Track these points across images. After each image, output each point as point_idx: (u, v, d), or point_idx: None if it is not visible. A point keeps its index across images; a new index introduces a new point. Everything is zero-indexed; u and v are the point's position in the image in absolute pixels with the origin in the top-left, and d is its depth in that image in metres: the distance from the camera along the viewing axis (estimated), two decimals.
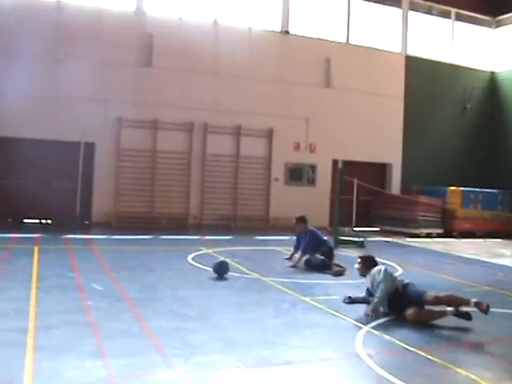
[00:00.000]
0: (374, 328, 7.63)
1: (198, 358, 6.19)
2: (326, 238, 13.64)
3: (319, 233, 13.59)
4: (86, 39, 18.70)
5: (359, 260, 9.10)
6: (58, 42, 18.40)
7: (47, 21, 18.30)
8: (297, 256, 13.15)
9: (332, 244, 13.88)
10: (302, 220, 13.64)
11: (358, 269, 9.06)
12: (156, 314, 7.95)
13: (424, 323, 7.85)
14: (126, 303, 8.55)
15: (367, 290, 8.79)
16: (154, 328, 7.23)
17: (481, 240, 21.25)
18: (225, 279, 10.78)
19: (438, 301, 8.02)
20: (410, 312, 7.99)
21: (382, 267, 8.69)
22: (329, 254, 13.02)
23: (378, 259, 8.87)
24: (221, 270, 11.08)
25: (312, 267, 12.57)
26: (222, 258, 11.88)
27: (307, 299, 9.28)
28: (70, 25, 18.53)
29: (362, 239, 17.19)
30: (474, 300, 7.88)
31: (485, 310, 7.78)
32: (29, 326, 7.00)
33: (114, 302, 8.61)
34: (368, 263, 8.97)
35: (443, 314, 7.95)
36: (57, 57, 18.31)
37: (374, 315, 8.11)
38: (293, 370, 5.98)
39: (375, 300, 8.28)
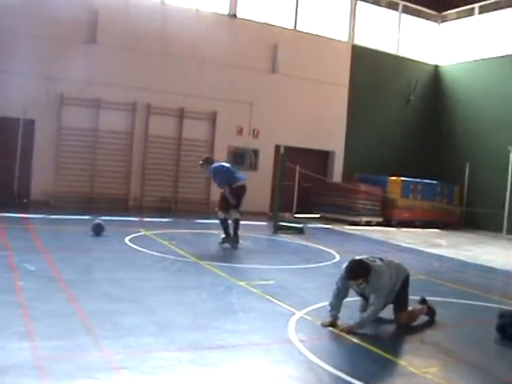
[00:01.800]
0: (308, 314, 7.68)
1: (129, 340, 6.13)
2: (238, 174, 13.60)
3: (223, 166, 13.60)
4: (30, 14, 18.22)
5: (359, 280, 7.16)
6: (3, 15, 17.85)
7: None
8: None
9: (243, 182, 13.59)
10: (205, 161, 13.72)
11: (359, 287, 7.29)
12: (89, 296, 7.84)
13: (410, 323, 7.69)
14: (59, 284, 8.41)
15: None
16: (86, 310, 7.12)
17: (419, 230, 21.63)
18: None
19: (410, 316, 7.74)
20: (402, 315, 7.57)
21: (385, 271, 7.30)
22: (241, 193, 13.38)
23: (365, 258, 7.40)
24: (97, 230, 13.26)
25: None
26: (98, 221, 13.59)
27: (243, 283, 9.29)
28: None
29: (301, 225, 17.29)
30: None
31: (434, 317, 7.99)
32: None
33: (47, 282, 8.45)
34: (362, 273, 7.14)
35: (423, 312, 7.94)
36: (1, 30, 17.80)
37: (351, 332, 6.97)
38: (223, 354, 5.96)
39: (365, 317, 7.16)
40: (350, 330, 6.94)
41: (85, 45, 19.22)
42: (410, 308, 7.71)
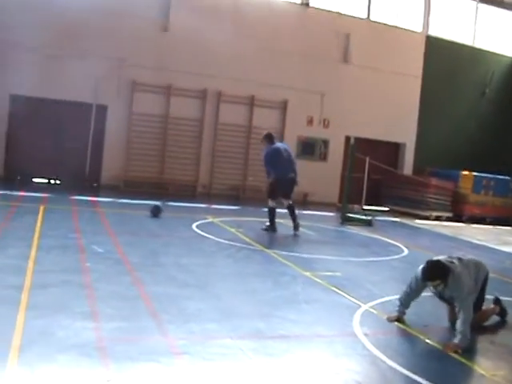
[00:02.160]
0: (374, 308, 7.51)
1: (192, 325, 6.11)
2: (290, 166, 13.61)
3: (279, 152, 13.51)
4: (103, 3, 18.44)
5: (436, 281, 6.72)
6: (77, 3, 18.11)
7: None
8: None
9: (290, 176, 13.63)
10: (265, 137, 13.85)
11: (436, 289, 6.88)
12: (154, 280, 7.88)
13: (483, 324, 7.34)
14: (125, 267, 8.48)
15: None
16: (150, 293, 7.15)
17: (490, 226, 21.02)
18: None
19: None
20: (477, 315, 7.03)
21: (464, 272, 6.77)
22: (281, 184, 13.43)
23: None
24: (155, 211, 13.79)
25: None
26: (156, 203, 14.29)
27: (308, 274, 9.17)
28: None
29: (370, 218, 17.03)
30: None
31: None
32: (24, 284, 6.94)
33: (113, 264, 8.54)
34: (440, 274, 6.68)
35: (494, 312, 7.66)
36: (75, 15, 18.05)
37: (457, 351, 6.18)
38: (286, 344, 5.88)
39: (462, 329, 6.33)
40: (457, 349, 6.14)
41: (158, 32, 19.36)
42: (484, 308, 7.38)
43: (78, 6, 17.92)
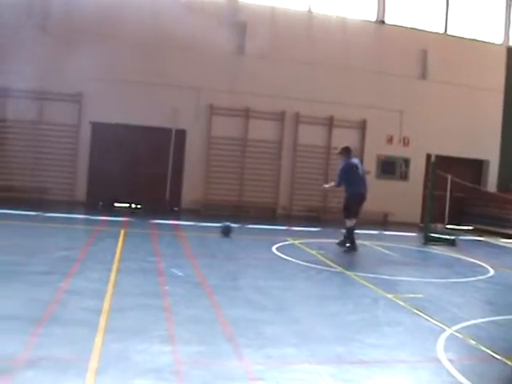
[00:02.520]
0: (459, 331, 7.20)
1: (269, 350, 5.99)
2: (362, 183, 13.80)
3: (355, 168, 13.71)
4: (181, 27, 18.73)
5: None
6: (152, 28, 18.50)
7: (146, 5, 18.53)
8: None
9: (362, 191, 13.76)
10: (343, 151, 13.94)
11: None
12: (232, 303, 7.82)
13: None
14: (203, 290, 8.45)
15: None
16: (228, 316, 7.08)
17: None
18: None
19: None
20: None
21: None
22: (354, 201, 13.62)
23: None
24: (226, 231, 14.19)
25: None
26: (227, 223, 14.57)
27: (390, 296, 8.91)
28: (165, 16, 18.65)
29: (453, 237, 16.55)
30: None
31: None
32: (103, 307, 7.00)
33: (192, 288, 8.53)
34: None
35: None
36: (152, 43, 18.44)
37: None
38: (366, 370, 5.67)
39: None
40: None
41: (234, 55, 19.53)
42: None
43: (154, 34, 18.34)
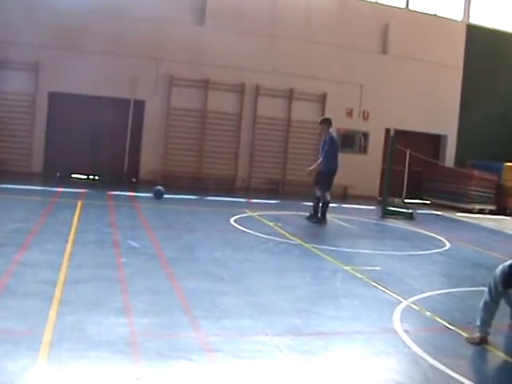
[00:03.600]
0: (415, 303, 7.25)
1: (226, 321, 5.95)
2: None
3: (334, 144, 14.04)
4: None
5: None
6: None
7: None
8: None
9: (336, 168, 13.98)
10: (326, 121, 14.13)
11: None
12: (189, 274, 7.76)
13: None
14: (160, 261, 8.37)
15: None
16: (185, 288, 7.02)
17: None
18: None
19: None
20: None
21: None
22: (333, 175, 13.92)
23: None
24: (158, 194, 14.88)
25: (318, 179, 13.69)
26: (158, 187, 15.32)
27: (348, 268, 8.95)
28: None
29: (411, 211, 16.70)
30: None
31: None
32: (58, 279, 6.88)
33: (148, 259, 8.44)
34: None
35: None
36: (113, 13, 18.07)
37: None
38: (323, 342, 5.67)
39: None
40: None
41: (194, 27, 19.24)
42: None
43: (114, 3, 17.99)
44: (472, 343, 5.96)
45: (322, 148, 13.93)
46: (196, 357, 4.95)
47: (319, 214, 13.65)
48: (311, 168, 14.02)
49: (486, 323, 6.04)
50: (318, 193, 13.67)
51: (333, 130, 20.45)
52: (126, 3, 18.18)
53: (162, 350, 5.01)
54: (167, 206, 14.60)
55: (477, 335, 6.03)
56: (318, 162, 13.78)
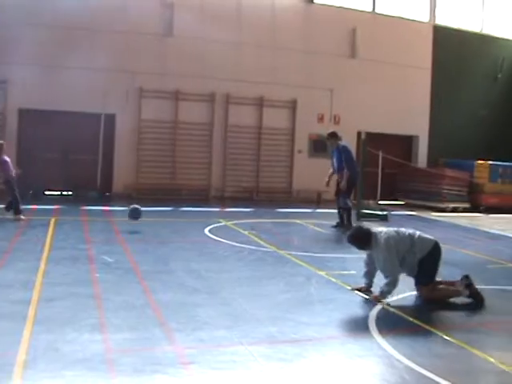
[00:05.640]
0: (389, 305, 7.31)
1: (201, 333, 5.95)
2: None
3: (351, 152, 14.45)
4: (107, 10, 18.40)
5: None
6: (83, 13, 18.06)
7: None
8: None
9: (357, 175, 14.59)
10: (332, 136, 14.36)
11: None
12: (164, 287, 7.75)
13: (437, 301, 7.48)
14: (135, 275, 8.35)
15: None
16: (160, 301, 7.02)
17: (509, 216, 20.64)
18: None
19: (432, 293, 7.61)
20: (422, 288, 7.58)
21: (383, 235, 7.73)
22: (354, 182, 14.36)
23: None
24: (134, 214, 13.08)
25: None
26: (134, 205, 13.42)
27: (323, 273, 9.00)
28: None
29: (385, 213, 16.82)
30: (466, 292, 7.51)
31: (480, 303, 7.47)
32: (32, 298, 6.84)
33: (123, 274, 8.43)
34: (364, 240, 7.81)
35: (457, 293, 7.55)
36: (79, 27, 18.01)
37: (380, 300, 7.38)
38: (298, 348, 5.69)
39: (385, 290, 7.39)
40: (377, 300, 7.36)
41: (162, 37, 19.26)
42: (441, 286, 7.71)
43: (81, 18, 17.94)
44: (353, 290, 7.85)
45: (337, 159, 14.15)
46: (172, 370, 4.95)
47: (345, 222, 13.93)
48: (327, 180, 14.50)
49: (366, 278, 7.85)
50: (342, 202, 13.89)
51: (304, 136, 20.93)
52: (94, 16, 18.14)
53: (138, 365, 5.01)
54: (142, 219, 14.52)
55: (360, 285, 7.87)
56: (344, 174, 13.91)
